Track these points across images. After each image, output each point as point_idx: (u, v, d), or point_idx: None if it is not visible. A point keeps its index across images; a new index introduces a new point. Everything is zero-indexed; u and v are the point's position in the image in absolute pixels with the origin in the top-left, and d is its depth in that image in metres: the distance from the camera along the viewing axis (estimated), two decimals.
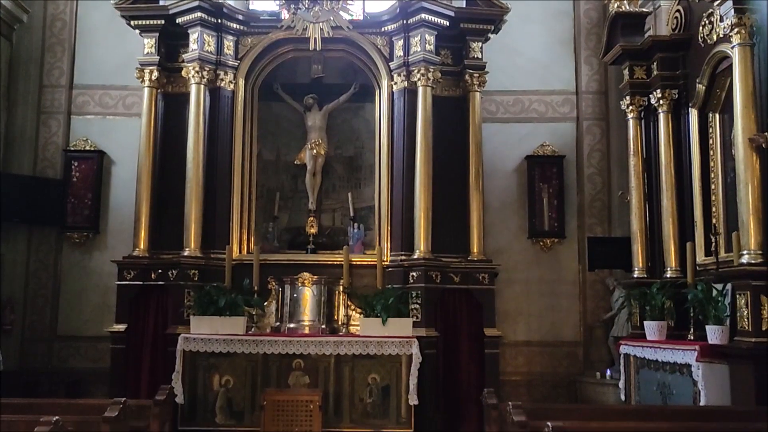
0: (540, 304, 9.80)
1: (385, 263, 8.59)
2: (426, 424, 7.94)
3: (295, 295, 8.37)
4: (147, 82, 8.81)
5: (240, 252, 8.87)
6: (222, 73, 8.89)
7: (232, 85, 8.97)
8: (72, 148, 9.93)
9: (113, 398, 5.04)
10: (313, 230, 9.14)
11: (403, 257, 8.57)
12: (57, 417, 3.94)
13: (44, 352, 9.61)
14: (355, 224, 9.24)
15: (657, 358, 6.98)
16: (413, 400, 7.42)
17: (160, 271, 8.46)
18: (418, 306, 8.33)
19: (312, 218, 9.19)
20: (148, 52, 8.88)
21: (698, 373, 6.27)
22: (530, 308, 9.79)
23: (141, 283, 8.45)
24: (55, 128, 9.97)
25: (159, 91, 8.90)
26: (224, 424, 7.55)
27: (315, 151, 9.29)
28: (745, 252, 6.17)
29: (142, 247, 8.58)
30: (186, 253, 8.40)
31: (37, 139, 9.92)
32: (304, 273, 8.44)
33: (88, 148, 9.92)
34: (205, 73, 8.70)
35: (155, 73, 8.79)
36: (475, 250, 8.73)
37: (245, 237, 8.99)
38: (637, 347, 7.49)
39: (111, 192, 9.86)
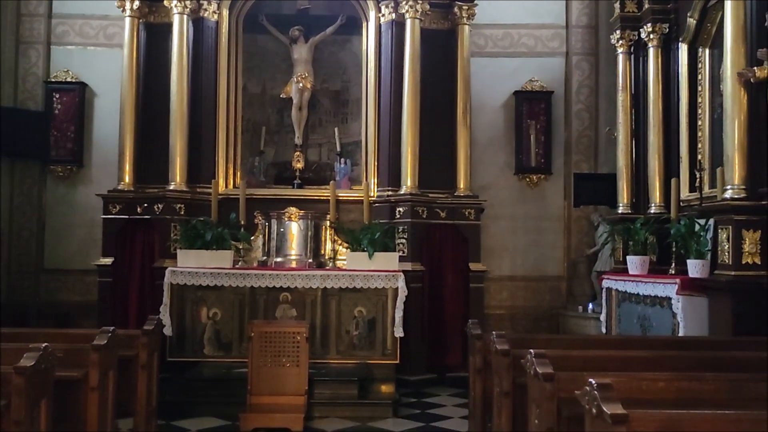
0: (525, 239, 9.87)
1: (372, 198, 8.62)
2: (411, 356, 8.06)
3: (281, 230, 8.39)
4: (128, 12, 8.66)
5: (226, 186, 8.87)
6: (205, 2, 8.75)
7: (216, 16, 8.87)
8: (53, 80, 9.81)
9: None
10: (299, 165, 9.13)
11: (390, 192, 8.60)
12: (46, 344, 3.97)
13: (31, 285, 9.64)
14: (342, 159, 9.23)
15: (638, 291, 7.08)
16: (399, 333, 7.50)
17: (145, 205, 8.46)
18: (404, 241, 8.38)
19: (298, 153, 9.17)
20: None
21: (678, 305, 6.36)
22: (515, 243, 9.87)
23: (127, 216, 8.45)
24: (35, 59, 9.84)
25: (141, 21, 8.77)
26: (212, 356, 7.62)
27: (301, 84, 9.24)
28: (728, 187, 6.21)
29: (127, 180, 8.56)
30: (172, 187, 8.39)
31: (16, 70, 9.79)
32: (291, 208, 8.45)
33: (69, 79, 9.80)
34: (187, 2, 8.57)
35: (136, 2, 8.64)
36: (462, 186, 8.76)
37: (231, 171, 8.99)
38: (619, 281, 7.58)
39: (94, 125, 9.79)
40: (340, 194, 8.63)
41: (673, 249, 7.09)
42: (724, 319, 6.03)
